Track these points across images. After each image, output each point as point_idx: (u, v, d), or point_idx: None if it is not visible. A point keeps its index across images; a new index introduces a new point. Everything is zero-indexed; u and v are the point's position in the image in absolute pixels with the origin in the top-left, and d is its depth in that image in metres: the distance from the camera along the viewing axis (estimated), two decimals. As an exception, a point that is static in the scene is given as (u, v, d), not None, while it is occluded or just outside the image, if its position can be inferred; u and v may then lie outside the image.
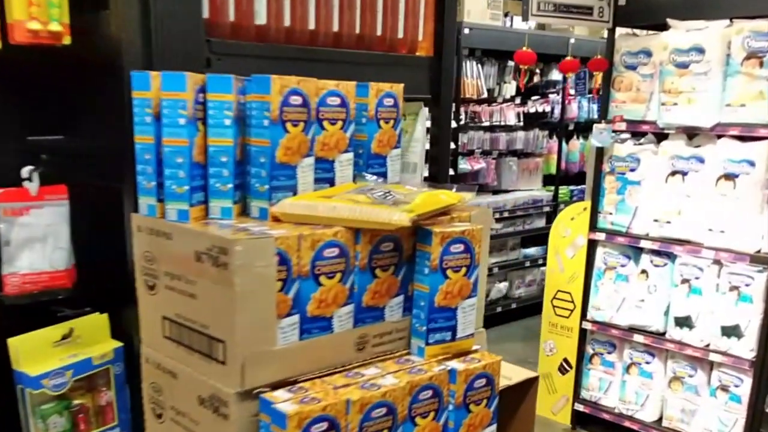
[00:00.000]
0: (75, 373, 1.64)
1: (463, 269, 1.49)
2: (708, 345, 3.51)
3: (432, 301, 1.46)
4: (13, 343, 1.61)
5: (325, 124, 1.51)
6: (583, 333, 4.09)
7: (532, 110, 6.45)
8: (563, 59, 4.02)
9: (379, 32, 2.05)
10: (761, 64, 3.21)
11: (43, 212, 1.66)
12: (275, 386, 1.31)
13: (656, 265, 3.72)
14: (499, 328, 5.93)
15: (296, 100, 1.41)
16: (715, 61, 3.34)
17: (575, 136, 6.99)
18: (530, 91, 6.44)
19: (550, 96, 6.62)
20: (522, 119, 6.36)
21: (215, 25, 1.69)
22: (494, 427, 1.55)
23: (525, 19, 3.80)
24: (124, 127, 1.43)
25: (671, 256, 3.67)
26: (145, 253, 1.45)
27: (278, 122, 1.39)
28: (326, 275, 1.37)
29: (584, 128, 6.78)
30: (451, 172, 5.74)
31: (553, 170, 6.72)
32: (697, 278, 3.54)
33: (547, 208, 6.46)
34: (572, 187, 6.80)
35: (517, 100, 6.32)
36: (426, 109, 2.20)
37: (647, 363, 3.81)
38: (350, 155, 1.59)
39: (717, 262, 3.47)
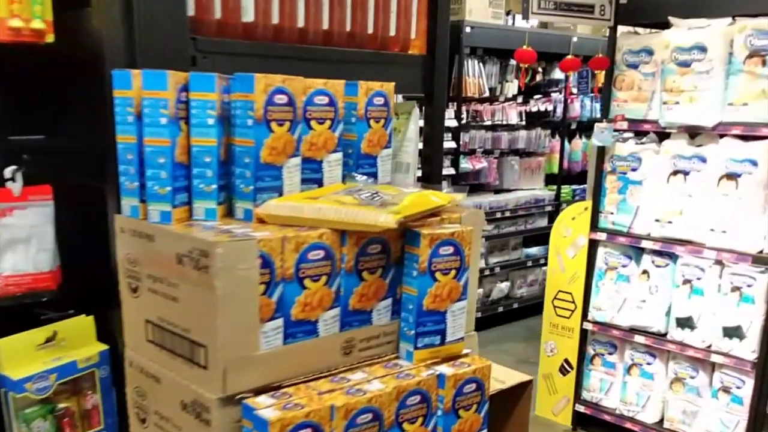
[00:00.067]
0: (59, 377, 1.61)
1: (453, 272, 1.46)
2: (709, 346, 3.48)
3: (420, 304, 1.43)
4: (-4, 345, 1.58)
5: (313, 123, 1.49)
6: (584, 333, 4.06)
7: (534, 109, 6.42)
8: (565, 58, 3.99)
9: (370, 30, 2.02)
10: (764, 63, 3.17)
11: (26, 213, 1.64)
12: (258, 392, 1.28)
13: (657, 266, 3.69)
14: (501, 327, 5.92)
15: (281, 99, 1.38)
16: (718, 59, 3.31)
17: (578, 135, 6.96)
18: (532, 90, 6.42)
19: (553, 95, 6.60)
20: (524, 118, 6.34)
21: (201, 22, 1.66)
22: (485, 432, 1.53)
23: (526, 17, 3.78)
24: (106, 127, 1.41)
25: (673, 257, 3.63)
26: (127, 255, 1.42)
27: (263, 122, 1.36)
28: (311, 278, 1.34)
29: (587, 127, 6.75)
30: (453, 171, 5.72)
31: (556, 169, 6.69)
32: (698, 279, 3.51)
33: (549, 208, 6.43)
34: (575, 187, 6.76)
35: (519, 99, 6.29)
36: (417, 109, 2.17)
37: (648, 364, 3.78)
38: (339, 155, 1.56)
39: (719, 262, 3.43)
